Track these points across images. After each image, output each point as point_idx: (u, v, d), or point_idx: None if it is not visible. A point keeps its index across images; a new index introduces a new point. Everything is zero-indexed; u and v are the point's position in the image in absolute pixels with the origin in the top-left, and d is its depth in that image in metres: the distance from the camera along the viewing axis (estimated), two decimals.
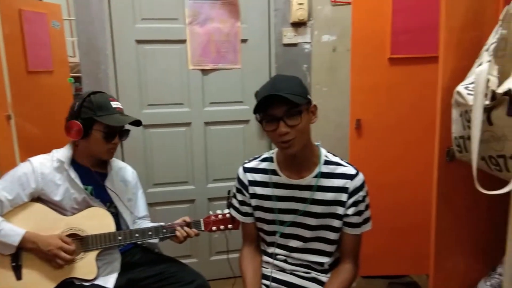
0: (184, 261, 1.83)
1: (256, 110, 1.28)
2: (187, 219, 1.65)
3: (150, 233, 1.60)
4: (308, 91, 1.33)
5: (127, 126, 1.64)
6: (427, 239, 2.09)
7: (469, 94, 1.14)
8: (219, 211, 1.67)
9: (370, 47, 2.03)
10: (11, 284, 1.46)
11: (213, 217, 1.64)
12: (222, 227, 1.64)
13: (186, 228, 1.61)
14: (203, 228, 1.63)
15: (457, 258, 1.46)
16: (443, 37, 1.33)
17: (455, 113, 1.26)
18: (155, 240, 1.69)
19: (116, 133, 1.60)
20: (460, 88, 1.19)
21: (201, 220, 1.65)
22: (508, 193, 1.12)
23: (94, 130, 1.56)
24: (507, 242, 1.20)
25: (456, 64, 1.34)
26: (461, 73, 1.31)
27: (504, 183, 1.07)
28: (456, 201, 1.42)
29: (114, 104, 1.60)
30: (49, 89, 2.99)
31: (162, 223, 1.72)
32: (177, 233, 1.60)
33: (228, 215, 1.64)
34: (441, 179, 1.41)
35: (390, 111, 2.07)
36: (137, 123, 1.64)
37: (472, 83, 1.16)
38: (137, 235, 1.59)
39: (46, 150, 1.65)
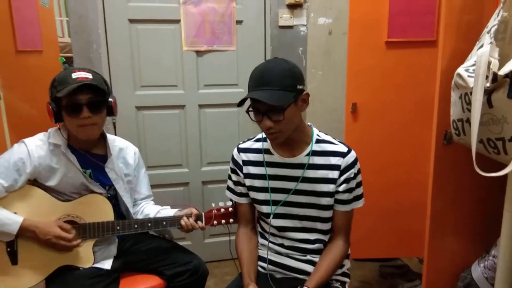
0: (178, 243, 1.82)
1: (243, 100, 1.29)
2: (194, 210, 1.61)
3: (149, 224, 1.56)
4: (301, 79, 1.30)
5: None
6: (419, 222, 2.12)
7: (469, 76, 1.14)
8: (221, 203, 1.62)
9: (367, 30, 2.02)
10: (6, 269, 1.44)
11: (215, 211, 1.60)
12: (223, 221, 1.61)
13: (191, 221, 1.57)
14: (203, 223, 1.60)
15: (452, 240, 1.48)
16: (443, 19, 1.33)
17: (454, 96, 1.26)
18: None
19: (81, 106, 1.43)
20: (461, 70, 1.18)
21: (203, 213, 1.61)
22: (504, 176, 1.13)
23: (62, 108, 1.45)
24: (502, 224, 1.22)
25: (455, 46, 1.34)
26: (460, 56, 1.31)
27: (501, 166, 1.08)
28: (452, 183, 1.43)
29: (76, 75, 1.44)
30: (39, 69, 2.93)
31: (167, 207, 1.70)
32: (182, 223, 1.56)
33: (231, 209, 1.60)
34: (437, 161, 1.41)
35: (386, 95, 2.07)
36: (93, 87, 1.44)
37: (473, 65, 1.15)
38: (136, 226, 1.55)
39: (37, 131, 1.58)
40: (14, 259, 1.45)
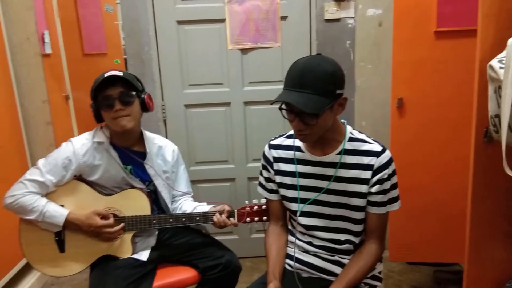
0: (225, 237, 1.86)
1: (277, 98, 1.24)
2: (226, 207, 1.63)
3: (184, 219, 1.62)
4: (342, 83, 1.23)
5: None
6: None
7: (501, 68, 1.03)
8: (255, 201, 1.63)
9: (414, 20, 1.90)
10: (56, 256, 1.60)
11: (248, 208, 1.62)
12: (256, 219, 1.62)
13: (224, 217, 1.60)
14: (236, 220, 1.62)
15: (495, 247, 1.35)
16: (481, 6, 1.21)
17: (490, 90, 1.14)
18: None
19: (114, 99, 1.53)
20: (494, 61, 1.07)
21: (235, 211, 1.63)
22: None
23: (98, 104, 1.57)
24: None
25: (496, 35, 1.22)
26: (501, 46, 1.18)
27: None
28: (494, 185, 1.31)
29: (108, 73, 1.54)
30: (104, 71, 3.16)
31: (204, 203, 1.76)
32: (215, 219, 1.60)
33: (264, 207, 1.60)
34: (478, 161, 1.30)
35: (435, 89, 1.93)
36: (122, 79, 1.54)
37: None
38: (171, 220, 1.62)
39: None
40: (62, 247, 1.60)
